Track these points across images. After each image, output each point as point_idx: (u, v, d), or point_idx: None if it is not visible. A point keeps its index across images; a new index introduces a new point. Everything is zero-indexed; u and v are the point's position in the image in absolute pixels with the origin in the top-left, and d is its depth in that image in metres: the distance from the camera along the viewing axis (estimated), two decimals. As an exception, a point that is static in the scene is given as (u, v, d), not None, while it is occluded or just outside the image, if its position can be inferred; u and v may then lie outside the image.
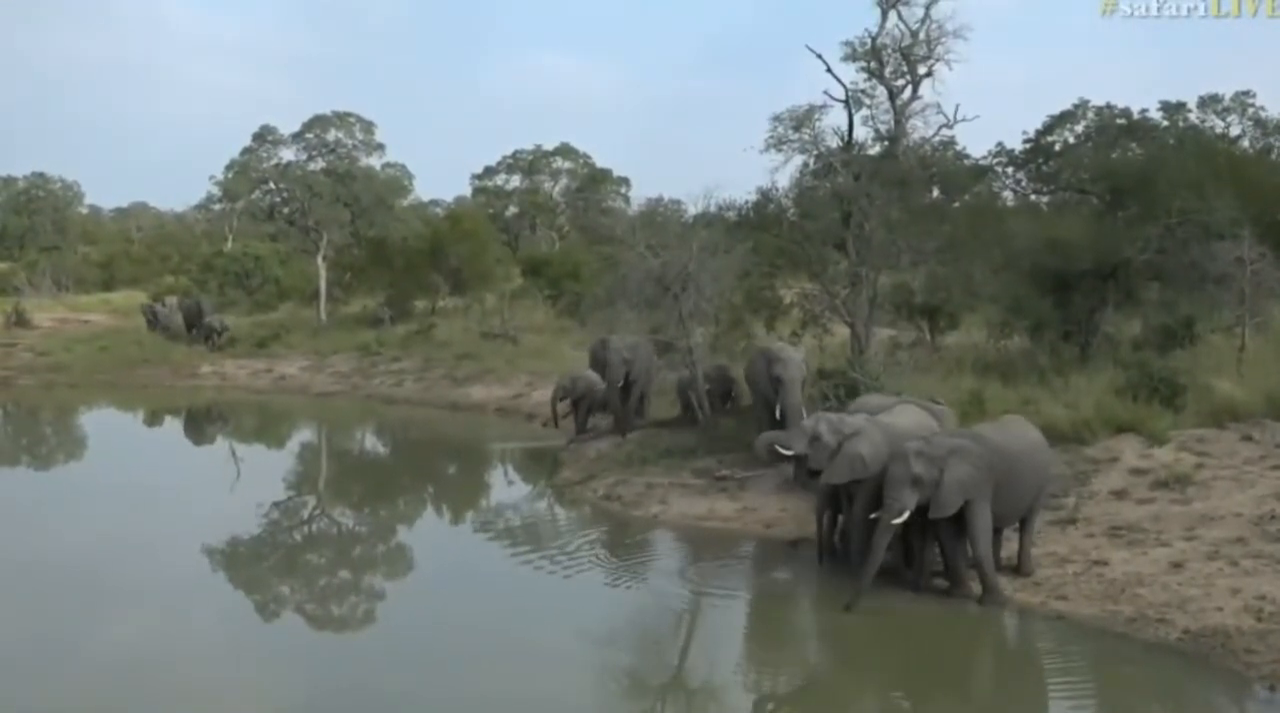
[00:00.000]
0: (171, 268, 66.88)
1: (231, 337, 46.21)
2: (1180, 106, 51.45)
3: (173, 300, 51.48)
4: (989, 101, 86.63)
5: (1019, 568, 15.93)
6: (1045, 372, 24.26)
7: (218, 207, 66.08)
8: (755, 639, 15.52)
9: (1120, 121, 48.29)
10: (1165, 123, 49.75)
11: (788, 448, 16.72)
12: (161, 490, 24.37)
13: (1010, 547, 16.24)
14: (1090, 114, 49.44)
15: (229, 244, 63.53)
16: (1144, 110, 49.39)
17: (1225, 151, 42.68)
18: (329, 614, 16.91)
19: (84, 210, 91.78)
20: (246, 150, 54.04)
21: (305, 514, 23.76)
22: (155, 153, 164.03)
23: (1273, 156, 50.36)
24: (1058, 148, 48.67)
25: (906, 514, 15.08)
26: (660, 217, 51.22)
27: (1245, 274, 24.06)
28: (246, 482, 26.20)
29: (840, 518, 17.42)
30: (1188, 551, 15.74)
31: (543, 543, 19.48)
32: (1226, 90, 54.77)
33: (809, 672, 14.10)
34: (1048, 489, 16.79)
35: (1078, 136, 49.11)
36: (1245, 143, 52.29)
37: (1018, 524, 16.09)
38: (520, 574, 17.60)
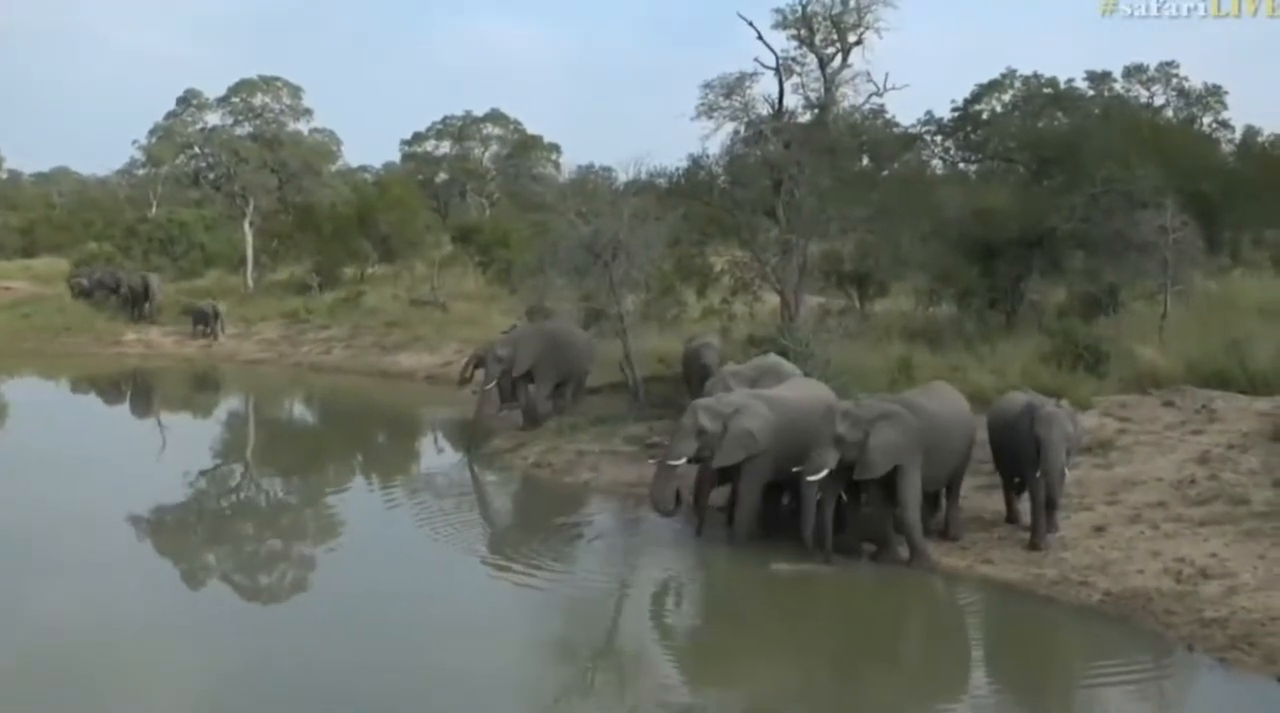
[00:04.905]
0: (94, 234, 65.51)
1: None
2: (1105, 76, 52.14)
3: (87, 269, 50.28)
4: (918, 70, 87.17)
5: (946, 532, 16.15)
6: (972, 339, 24.55)
7: (142, 172, 64.73)
8: (682, 607, 15.62)
9: (1047, 91, 48.77)
10: (1091, 92, 50.33)
11: (678, 459, 16.33)
12: (87, 460, 23.90)
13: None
14: (1017, 83, 49.88)
15: (153, 210, 62.37)
16: (1070, 80, 49.97)
17: (1149, 122, 43.43)
18: (257, 585, 16.72)
19: (3, 175, 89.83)
20: (171, 114, 53.15)
21: (233, 483, 23.49)
22: (77, 116, 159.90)
23: (1195, 127, 51.22)
24: (985, 117, 49.05)
25: (824, 472, 15.20)
26: (591, 184, 51.21)
27: (1168, 242, 24.47)
28: (173, 451, 25.89)
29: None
30: (1110, 515, 16.01)
31: (471, 511, 19.39)
32: (1151, 60, 55.50)
33: (736, 639, 14.16)
34: (971, 456, 16.98)
35: (1005, 106, 49.53)
36: (1169, 113, 53.07)
37: (944, 489, 16.32)
38: (448, 544, 17.51)
